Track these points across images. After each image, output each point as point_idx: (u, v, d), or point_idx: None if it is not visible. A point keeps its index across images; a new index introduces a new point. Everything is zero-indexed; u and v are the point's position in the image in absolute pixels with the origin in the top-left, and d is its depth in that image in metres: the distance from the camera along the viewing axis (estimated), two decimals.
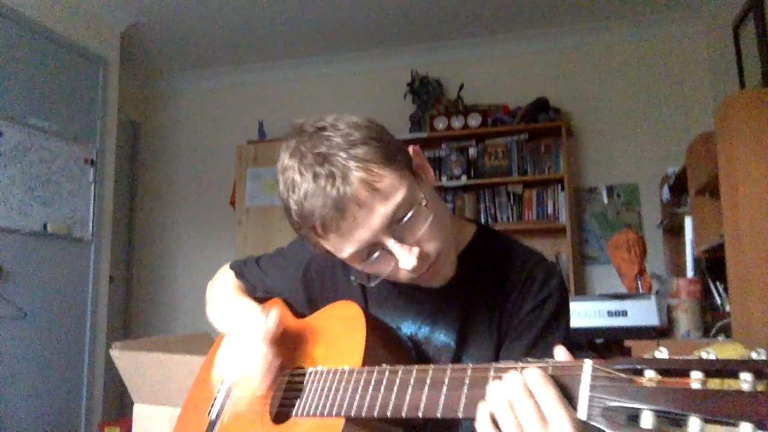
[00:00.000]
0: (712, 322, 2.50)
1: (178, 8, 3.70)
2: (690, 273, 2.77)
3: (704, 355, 0.48)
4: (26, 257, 3.10)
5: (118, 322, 4.38)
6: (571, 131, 3.90)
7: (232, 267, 1.19)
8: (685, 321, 2.48)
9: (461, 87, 3.99)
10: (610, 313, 2.52)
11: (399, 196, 0.79)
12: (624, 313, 2.50)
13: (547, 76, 4.04)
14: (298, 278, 1.06)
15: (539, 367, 0.60)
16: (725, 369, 0.46)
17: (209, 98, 4.72)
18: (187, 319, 4.41)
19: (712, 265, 2.63)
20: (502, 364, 0.64)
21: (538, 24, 3.98)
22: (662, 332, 2.47)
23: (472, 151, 3.91)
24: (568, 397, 0.56)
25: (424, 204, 0.81)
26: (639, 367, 0.51)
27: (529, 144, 3.83)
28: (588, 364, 0.56)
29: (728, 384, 0.46)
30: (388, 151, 0.80)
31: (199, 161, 4.66)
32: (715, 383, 0.46)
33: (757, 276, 2.01)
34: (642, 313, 2.48)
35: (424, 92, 4.08)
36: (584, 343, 2.59)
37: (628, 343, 2.43)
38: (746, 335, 2.03)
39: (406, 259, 0.80)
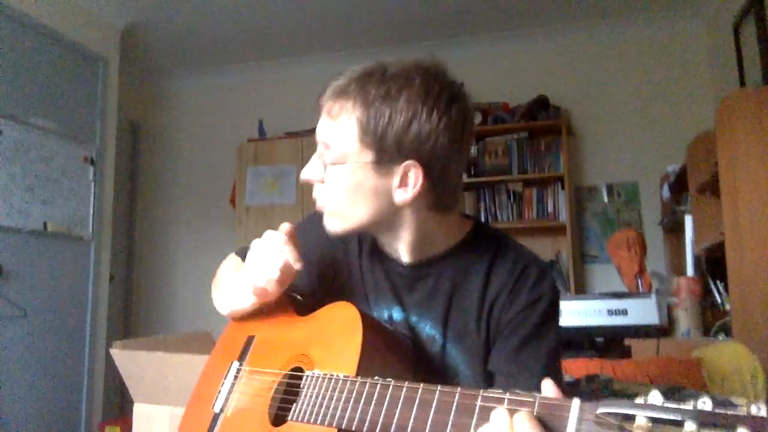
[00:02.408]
0: (712, 320, 2.50)
1: (178, 7, 3.70)
2: (690, 272, 2.78)
3: (701, 405, 0.46)
4: (26, 256, 3.10)
5: (118, 321, 4.38)
6: (571, 129, 3.90)
7: (237, 253, 1.20)
8: (685, 320, 2.48)
9: (461, 85, 3.97)
10: (610, 312, 2.52)
11: (339, 143, 0.87)
12: (624, 312, 2.50)
13: (547, 75, 4.04)
14: (304, 256, 1.07)
15: (526, 404, 0.59)
16: (721, 423, 0.44)
17: (209, 97, 4.71)
18: (187, 317, 4.41)
19: (713, 263, 2.63)
20: (489, 392, 0.64)
21: (538, 22, 3.98)
22: (662, 331, 2.47)
23: (472, 150, 3.91)
24: None
25: (353, 174, 0.87)
26: (629, 412, 0.49)
27: (529, 142, 3.83)
28: (575, 405, 0.54)
29: None
30: (379, 136, 0.85)
31: (199, 160, 4.66)
32: None
33: (757, 275, 2.01)
34: (642, 311, 2.48)
35: None
36: (584, 342, 2.59)
37: (628, 341, 2.44)
38: (746, 334, 2.03)
39: (306, 168, 0.93)
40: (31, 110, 3.18)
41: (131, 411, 1.73)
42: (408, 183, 0.86)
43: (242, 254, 1.17)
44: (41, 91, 3.26)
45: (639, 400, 0.50)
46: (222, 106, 4.67)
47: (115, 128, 3.78)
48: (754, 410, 0.44)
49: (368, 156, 0.86)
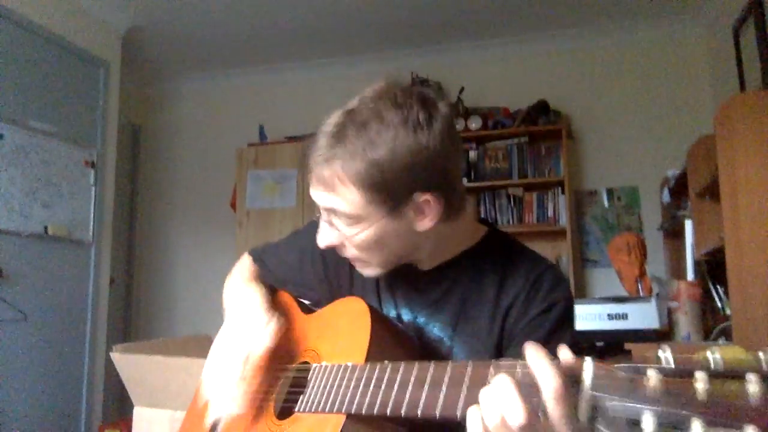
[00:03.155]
0: (713, 325, 2.50)
1: (179, 11, 3.71)
2: (690, 276, 2.77)
3: (709, 356, 0.47)
4: (27, 259, 3.10)
5: (119, 325, 4.38)
6: (571, 134, 3.91)
7: (251, 253, 1.21)
8: (685, 324, 2.48)
9: (461, 90, 3.99)
10: (610, 316, 2.52)
11: (349, 206, 0.84)
12: (624, 316, 2.50)
13: (547, 79, 4.05)
14: (317, 254, 1.07)
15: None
16: (731, 371, 0.45)
17: (210, 101, 4.72)
18: (187, 321, 4.41)
19: (713, 267, 2.62)
20: (502, 362, 0.64)
21: (538, 27, 3.98)
22: (663, 335, 2.47)
23: (472, 154, 3.91)
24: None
25: (375, 229, 0.85)
26: (641, 366, 0.50)
27: (530, 147, 3.83)
28: (589, 362, 0.55)
29: (734, 386, 0.44)
30: (380, 186, 0.81)
31: (200, 164, 4.67)
32: (720, 385, 0.45)
33: (758, 279, 2.01)
34: (642, 315, 2.48)
35: None
36: (585, 346, 2.58)
37: (628, 345, 2.43)
38: (747, 338, 2.03)
39: (320, 237, 0.91)
40: (33, 114, 3.19)
41: (131, 414, 1.73)
42: (425, 212, 0.85)
43: (255, 255, 1.19)
44: (42, 94, 3.26)
45: (651, 356, 0.51)
46: (223, 109, 4.68)
47: (115, 132, 3.79)
48: (762, 356, 0.45)
49: (380, 210, 0.84)
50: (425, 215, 0.85)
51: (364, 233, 0.85)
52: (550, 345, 0.87)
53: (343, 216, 0.85)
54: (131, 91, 4.51)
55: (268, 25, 3.90)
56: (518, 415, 0.57)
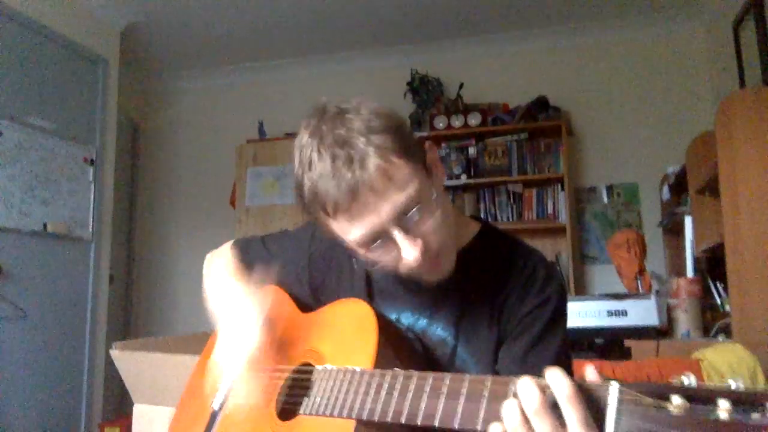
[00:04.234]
0: (712, 321, 2.50)
1: (178, 7, 3.70)
2: (690, 273, 2.77)
3: (733, 385, 0.48)
4: (26, 257, 3.10)
5: (118, 322, 4.38)
6: (571, 130, 3.90)
7: (236, 244, 1.18)
8: (685, 321, 2.48)
9: (461, 86, 3.98)
10: (610, 313, 2.51)
11: (412, 188, 0.79)
12: (624, 313, 2.49)
13: (547, 75, 4.04)
14: (303, 260, 1.06)
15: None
16: (753, 400, 0.46)
17: (209, 97, 4.72)
18: (187, 318, 4.41)
19: (712, 264, 2.63)
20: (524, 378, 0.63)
21: (538, 23, 3.98)
22: (662, 332, 2.47)
23: (471, 150, 3.91)
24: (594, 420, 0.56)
25: (433, 199, 0.82)
26: (665, 392, 0.51)
27: (529, 143, 3.83)
28: (615, 386, 0.55)
29: (756, 416, 0.45)
30: (406, 143, 0.81)
31: (199, 160, 4.66)
32: (742, 414, 0.46)
33: (757, 276, 2.01)
34: (642, 312, 2.47)
35: (424, 91, 4.08)
36: (584, 343, 2.58)
37: (628, 342, 2.43)
38: (746, 335, 2.03)
39: (409, 250, 0.81)
40: (31, 111, 3.18)
41: (131, 411, 1.73)
42: (435, 161, 0.87)
43: (241, 247, 1.16)
44: (41, 91, 3.26)
45: (674, 382, 0.51)
46: (222, 106, 4.67)
47: (115, 129, 3.78)
48: None
49: (421, 172, 0.82)
50: (436, 164, 0.87)
51: (432, 212, 0.82)
52: (544, 341, 0.88)
53: (412, 201, 0.80)
54: (130, 87, 4.50)
55: (267, 20, 3.89)
56: (541, 414, 0.58)
